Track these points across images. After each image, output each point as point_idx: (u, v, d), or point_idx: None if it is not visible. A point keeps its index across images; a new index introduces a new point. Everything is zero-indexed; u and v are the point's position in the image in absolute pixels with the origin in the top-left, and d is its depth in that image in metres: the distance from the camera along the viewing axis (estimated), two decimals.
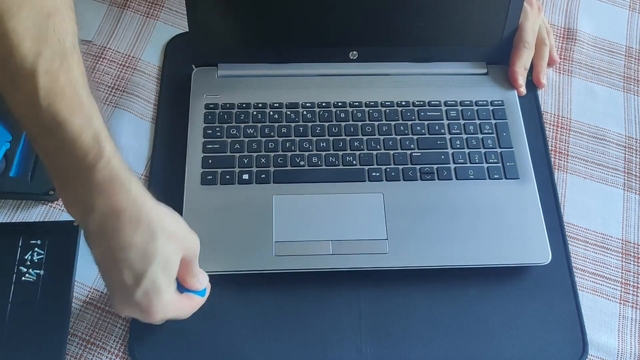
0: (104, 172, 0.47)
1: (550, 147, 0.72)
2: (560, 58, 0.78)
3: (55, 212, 0.65)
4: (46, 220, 0.65)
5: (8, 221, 0.64)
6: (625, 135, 0.74)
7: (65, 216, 0.64)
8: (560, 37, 0.80)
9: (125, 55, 0.75)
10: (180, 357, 0.58)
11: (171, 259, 0.50)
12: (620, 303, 0.64)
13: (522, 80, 0.72)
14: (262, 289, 0.62)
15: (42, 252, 0.62)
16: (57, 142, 0.46)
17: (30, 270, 0.61)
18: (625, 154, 0.73)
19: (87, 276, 0.62)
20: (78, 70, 0.47)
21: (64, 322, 0.59)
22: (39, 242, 0.62)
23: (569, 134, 0.73)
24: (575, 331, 0.61)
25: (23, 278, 0.60)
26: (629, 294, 0.65)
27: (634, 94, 0.77)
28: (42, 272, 0.61)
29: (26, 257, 0.61)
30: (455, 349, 0.60)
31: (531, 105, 0.74)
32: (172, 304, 0.52)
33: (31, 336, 0.58)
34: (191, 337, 0.59)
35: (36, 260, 0.61)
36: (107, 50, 0.75)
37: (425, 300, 0.62)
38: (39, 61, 0.44)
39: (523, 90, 0.73)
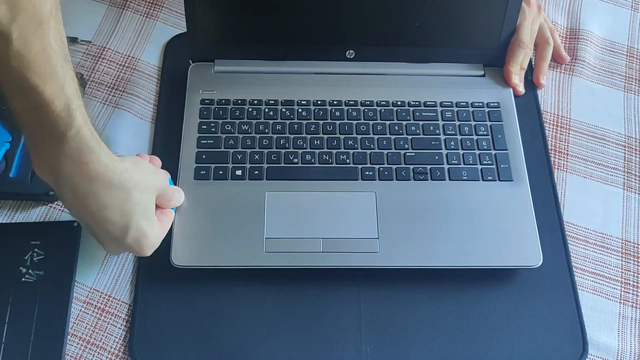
0: (74, 141, 0.48)
1: (550, 147, 0.72)
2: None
3: (55, 212, 0.65)
4: (46, 220, 0.65)
5: (8, 221, 0.65)
6: (625, 135, 0.74)
7: (65, 216, 0.64)
8: (562, 36, 0.80)
9: (125, 55, 0.75)
10: (180, 357, 0.58)
11: (148, 205, 0.56)
12: (620, 302, 0.64)
13: (517, 79, 0.72)
14: (262, 288, 0.62)
15: (42, 253, 0.62)
16: (30, 105, 0.47)
17: (30, 270, 0.61)
18: (625, 153, 0.72)
19: (87, 276, 0.62)
20: (54, 37, 0.47)
21: (63, 323, 0.59)
22: (39, 242, 0.62)
23: (569, 133, 0.73)
24: (575, 331, 0.61)
25: (23, 279, 0.60)
26: (629, 293, 0.65)
27: (634, 94, 0.76)
28: (42, 273, 0.61)
29: (26, 258, 0.61)
30: (455, 348, 0.60)
31: (531, 105, 0.74)
32: (158, 238, 0.58)
33: (31, 337, 0.58)
34: (191, 338, 0.59)
35: (36, 261, 0.61)
36: (107, 51, 0.75)
37: (425, 300, 0.62)
38: (12, 25, 0.44)
39: (520, 89, 0.72)
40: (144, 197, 0.55)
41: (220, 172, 0.65)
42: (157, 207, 0.59)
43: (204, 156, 0.66)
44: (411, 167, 0.66)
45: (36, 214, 0.65)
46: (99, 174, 0.50)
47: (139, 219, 0.54)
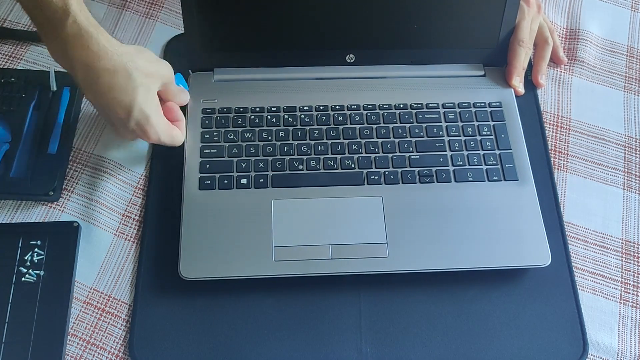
0: (72, 28, 0.54)
1: (550, 147, 0.72)
2: None
3: (55, 212, 0.65)
4: (46, 220, 0.65)
5: (8, 221, 0.64)
6: (625, 135, 0.74)
7: (65, 216, 0.64)
8: (561, 36, 0.80)
9: None
10: (180, 357, 0.58)
11: (151, 90, 0.60)
12: (620, 302, 0.64)
13: (517, 80, 0.72)
14: (262, 290, 0.62)
15: (42, 253, 0.62)
16: (34, 2, 0.54)
17: (30, 270, 0.61)
18: (625, 153, 0.72)
19: (87, 276, 0.62)
20: None
21: (63, 323, 0.59)
22: (39, 242, 0.62)
23: (569, 133, 0.73)
24: (575, 331, 0.61)
25: (23, 279, 0.60)
26: (629, 293, 0.65)
27: (634, 94, 0.77)
28: (42, 273, 0.61)
29: (26, 258, 0.61)
30: (455, 349, 0.60)
31: (531, 105, 0.74)
32: (162, 127, 0.62)
33: (31, 337, 0.58)
34: (191, 338, 0.59)
35: (36, 261, 0.61)
36: None
37: (425, 300, 0.62)
38: None
39: (520, 90, 0.72)
40: (146, 81, 0.59)
41: (225, 182, 0.65)
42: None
43: (208, 166, 0.66)
44: (416, 169, 0.66)
45: (36, 214, 0.65)
46: (100, 56, 0.55)
47: (142, 100, 0.58)
